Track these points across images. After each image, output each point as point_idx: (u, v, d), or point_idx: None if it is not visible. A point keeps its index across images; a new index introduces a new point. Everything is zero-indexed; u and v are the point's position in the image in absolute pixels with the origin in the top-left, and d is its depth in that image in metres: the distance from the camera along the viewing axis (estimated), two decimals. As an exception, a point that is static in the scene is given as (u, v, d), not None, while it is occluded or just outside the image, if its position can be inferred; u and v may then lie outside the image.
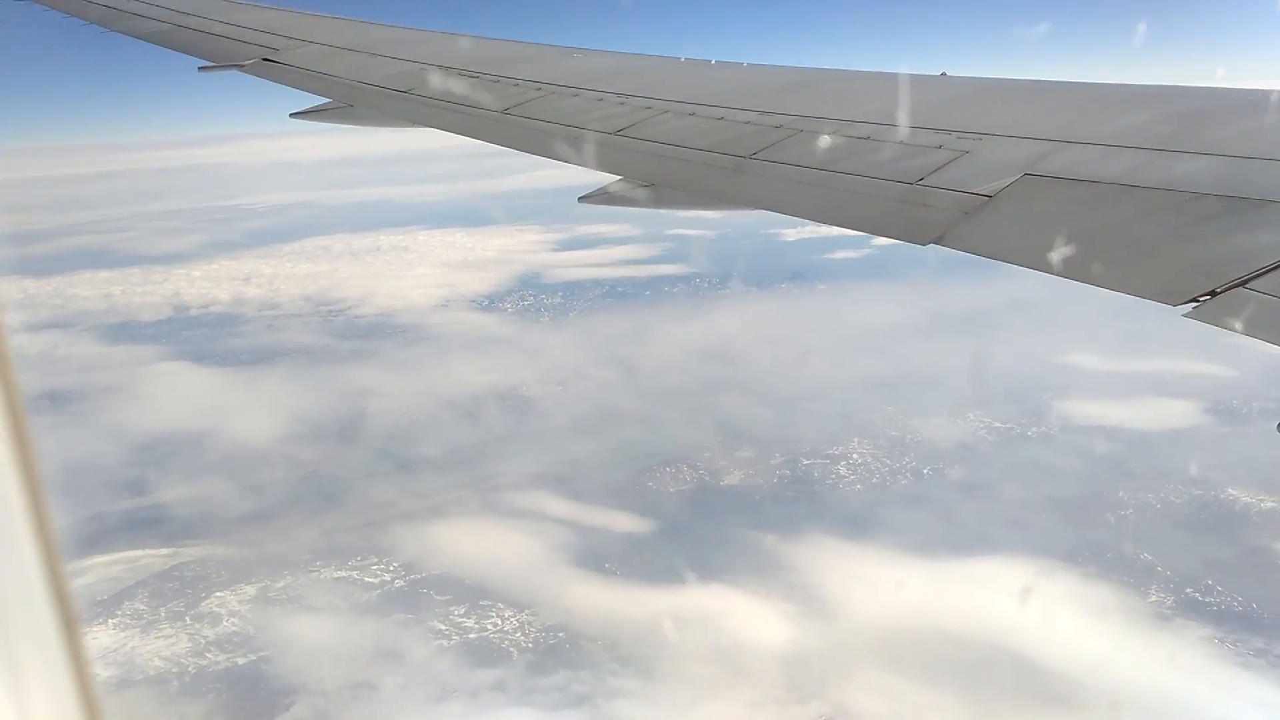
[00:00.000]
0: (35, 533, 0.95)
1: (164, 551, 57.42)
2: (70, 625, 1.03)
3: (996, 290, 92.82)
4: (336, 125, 9.14)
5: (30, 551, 0.93)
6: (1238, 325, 4.40)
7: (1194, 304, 4.56)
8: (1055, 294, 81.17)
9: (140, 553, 57.21)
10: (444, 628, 48.86)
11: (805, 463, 65.65)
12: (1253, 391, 70.29)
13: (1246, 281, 4.53)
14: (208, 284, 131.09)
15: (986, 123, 6.45)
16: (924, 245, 5.84)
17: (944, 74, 7.69)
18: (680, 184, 7.22)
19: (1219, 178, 5.21)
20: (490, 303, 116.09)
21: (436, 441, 73.34)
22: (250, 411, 79.13)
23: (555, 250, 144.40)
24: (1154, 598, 48.85)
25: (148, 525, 60.72)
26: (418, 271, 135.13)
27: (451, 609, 50.32)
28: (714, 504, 60.60)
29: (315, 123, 9.07)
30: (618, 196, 7.50)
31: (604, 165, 7.58)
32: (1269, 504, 56.58)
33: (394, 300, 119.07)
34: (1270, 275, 4.48)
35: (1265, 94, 6.14)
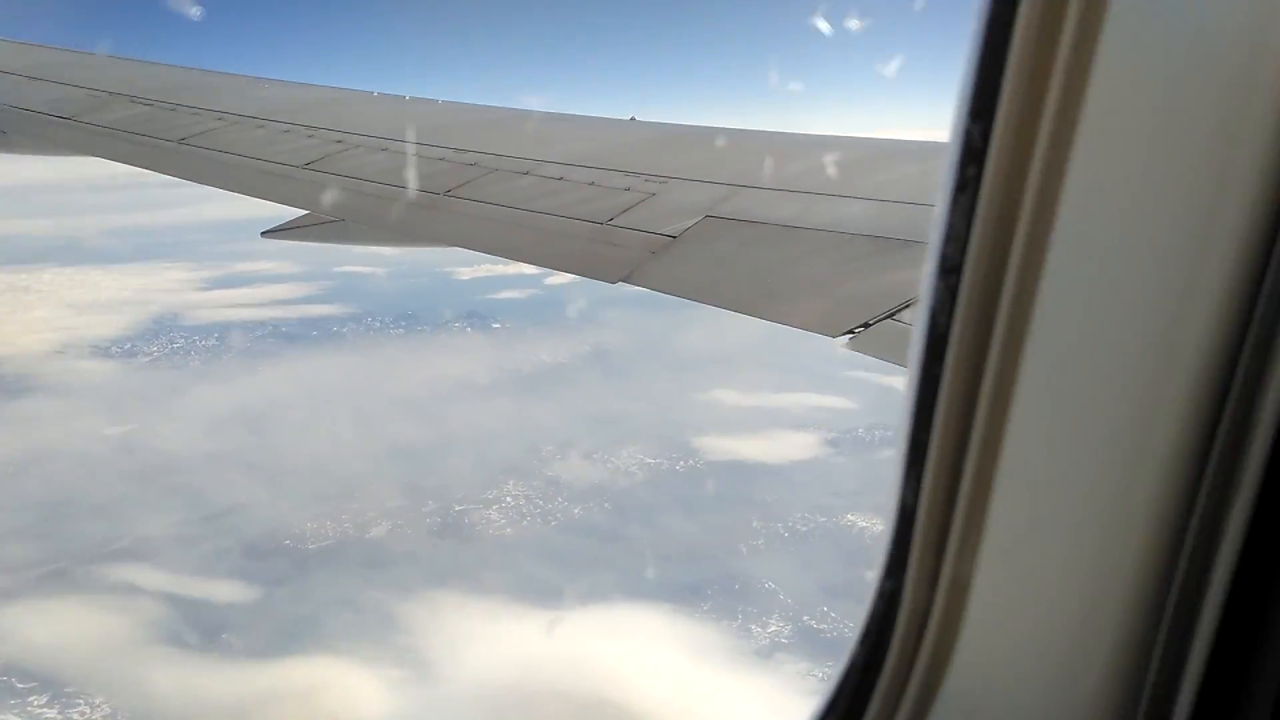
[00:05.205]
0: None
1: None
2: None
3: (661, 328, 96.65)
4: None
5: None
6: (887, 354, 4.98)
7: (850, 335, 5.11)
8: (712, 330, 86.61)
9: None
10: (21, 720, 43.39)
11: (458, 509, 63.86)
12: (873, 421, 77.18)
13: (894, 314, 5.13)
14: None
15: (672, 166, 6.83)
16: (613, 283, 6.13)
17: (633, 118, 8.14)
18: (371, 219, 7.10)
19: (871, 220, 5.86)
20: (118, 348, 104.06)
21: (26, 509, 63.85)
22: None
23: (203, 289, 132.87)
24: (774, 627, 50.74)
25: None
26: (36, 315, 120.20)
27: (32, 698, 44.95)
28: (345, 562, 56.99)
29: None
30: (303, 231, 7.28)
31: (290, 199, 7.32)
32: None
33: (1, 347, 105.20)
34: (915, 308, 5.09)
35: (909, 144, 7.03)
